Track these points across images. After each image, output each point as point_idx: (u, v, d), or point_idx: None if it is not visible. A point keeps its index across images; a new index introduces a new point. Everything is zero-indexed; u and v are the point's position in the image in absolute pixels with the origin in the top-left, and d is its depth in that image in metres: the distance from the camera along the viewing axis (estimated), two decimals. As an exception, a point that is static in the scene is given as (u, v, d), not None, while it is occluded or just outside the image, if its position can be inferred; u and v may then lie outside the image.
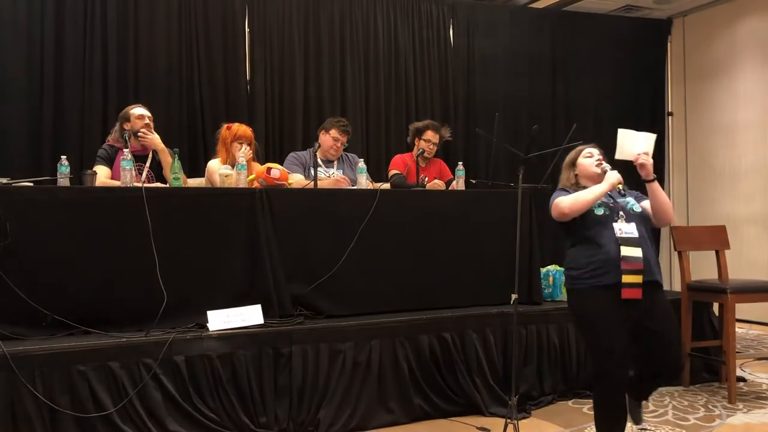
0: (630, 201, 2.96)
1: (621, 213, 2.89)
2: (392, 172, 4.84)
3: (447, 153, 5.71)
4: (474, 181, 4.80)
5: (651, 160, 2.88)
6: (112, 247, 3.29)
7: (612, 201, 2.94)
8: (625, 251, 2.78)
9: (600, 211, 2.89)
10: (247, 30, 5.50)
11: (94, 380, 2.96)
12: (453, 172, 4.54)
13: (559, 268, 4.54)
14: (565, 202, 2.90)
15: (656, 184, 2.89)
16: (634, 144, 2.93)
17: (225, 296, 3.46)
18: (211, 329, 3.26)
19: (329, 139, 4.51)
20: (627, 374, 2.83)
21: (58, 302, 3.16)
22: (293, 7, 5.63)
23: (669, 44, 7.17)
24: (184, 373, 3.12)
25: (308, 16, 5.70)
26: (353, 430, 3.42)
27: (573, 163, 3.11)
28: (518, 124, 6.42)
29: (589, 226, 2.89)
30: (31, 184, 3.38)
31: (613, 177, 2.88)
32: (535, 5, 6.77)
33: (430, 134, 4.83)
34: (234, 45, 5.42)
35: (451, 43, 6.31)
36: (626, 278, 2.76)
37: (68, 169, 3.43)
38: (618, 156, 2.94)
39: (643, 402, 3.15)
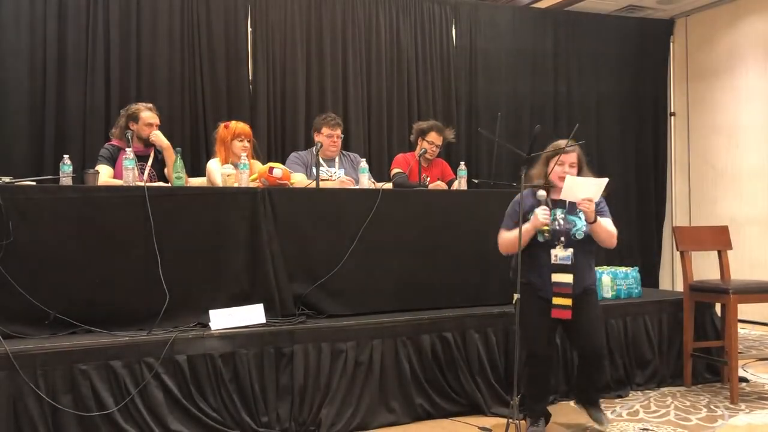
0: (578, 224, 3.17)
1: (562, 239, 3.13)
2: (395, 170, 4.84)
3: (449, 153, 5.71)
4: (476, 181, 4.80)
5: (592, 207, 3.10)
6: (114, 246, 3.29)
7: (558, 224, 3.17)
8: (557, 278, 3.11)
9: (541, 238, 3.15)
10: (249, 29, 5.51)
11: (96, 379, 2.96)
12: (455, 172, 4.54)
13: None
14: (501, 246, 3.31)
15: (597, 225, 3.15)
16: (580, 189, 3.10)
17: (227, 295, 3.46)
18: (213, 328, 3.26)
19: (323, 137, 4.51)
20: (551, 356, 3.38)
21: (61, 301, 3.17)
22: (295, 6, 5.64)
23: (671, 44, 7.16)
24: (186, 373, 3.12)
25: (310, 16, 5.70)
26: (355, 429, 3.41)
27: (547, 161, 3.27)
28: (520, 124, 6.42)
29: (531, 247, 3.18)
30: (34, 184, 3.39)
31: (538, 218, 3.07)
32: (537, 5, 6.76)
33: (433, 136, 4.82)
34: (236, 44, 5.42)
35: (453, 43, 6.31)
36: (556, 300, 3.11)
37: (71, 168, 3.44)
38: (563, 197, 3.13)
39: (604, 410, 3.49)
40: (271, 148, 5.45)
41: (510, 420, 3.09)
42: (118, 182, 3.81)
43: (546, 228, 3.09)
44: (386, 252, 3.84)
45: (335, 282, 3.68)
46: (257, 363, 3.27)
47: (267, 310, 3.44)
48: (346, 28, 5.82)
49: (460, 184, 4.34)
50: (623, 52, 6.87)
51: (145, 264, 3.29)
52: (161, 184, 3.93)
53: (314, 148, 4.33)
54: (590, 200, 3.08)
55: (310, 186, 3.98)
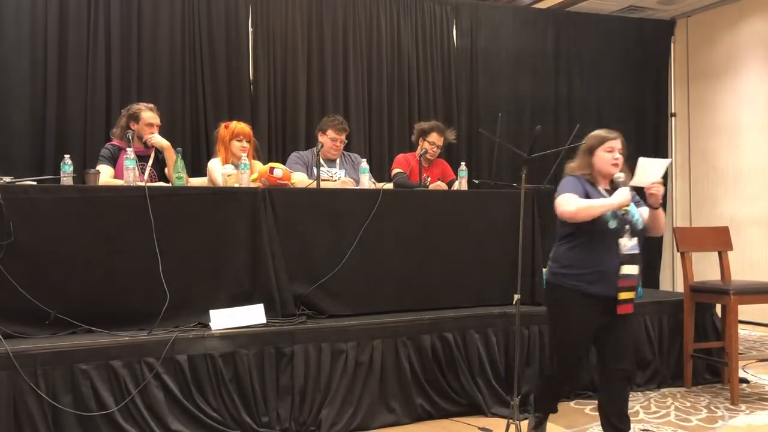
0: (635, 214, 2.89)
1: (627, 227, 2.84)
2: (395, 170, 4.84)
3: (450, 153, 5.71)
4: (477, 182, 4.80)
5: (662, 189, 2.87)
6: (114, 246, 3.29)
7: (624, 211, 2.85)
8: (626, 269, 2.83)
9: (613, 224, 2.82)
10: (250, 29, 5.51)
11: (97, 379, 2.97)
12: (456, 173, 4.54)
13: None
14: (570, 207, 2.81)
15: (659, 211, 2.92)
16: (650, 172, 2.89)
17: (227, 295, 3.46)
18: (213, 328, 3.26)
19: (327, 139, 4.51)
20: (580, 371, 3.22)
21: (61, 301, 3.17)
22: (296, 6, 5.64)
23: (672, 45, 7.16)
24: (187, 372, 3.12)
25: (311, 16, 5.70)
26: (355, 429, 3.42)
27: (591, 151, 2.97)
28: (521, 125, 6.42)
29: (596, 235, 2.84)
30: (35, 183, 3.39)
31: (623, 196, 2.79)
32: (538, 5, 6.76)
33: (434, 136, 4.82)
34: (237, 44, 5.43)
35: (454, 43, 6.31)
36: (623, 295, 2.82)
37: (71, 168, 3.44)
38: (634, 183, 2.88)
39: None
40: (271, 148, 5.46)
41: (510, 420, 3.08)
42: (118, 182, 3.81)
43: (626, 208, 2.81)
44: (387, 252, 3.84)
45: (336, 282, 3.68)
46: (258, 363, 3.27)
47: (267, 310, 3.44)
48: (347, 28, 5.83)
49: (461, 184, 4.34)
50: (624, 53, 6.87)
51: (145, 264, 3.29)
52: (162, 184, 3.92)
53: (315, 148, 4.33)
54: (661, 183, 2.87)
55: (310, 186, 3.98)
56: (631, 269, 2.83)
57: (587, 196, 2.87)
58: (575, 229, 2.88)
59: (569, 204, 2.81)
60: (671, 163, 2.67)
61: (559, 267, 2.95)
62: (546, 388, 3.16)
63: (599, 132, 3.02)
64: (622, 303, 2.82)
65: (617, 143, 2.95)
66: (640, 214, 2.90)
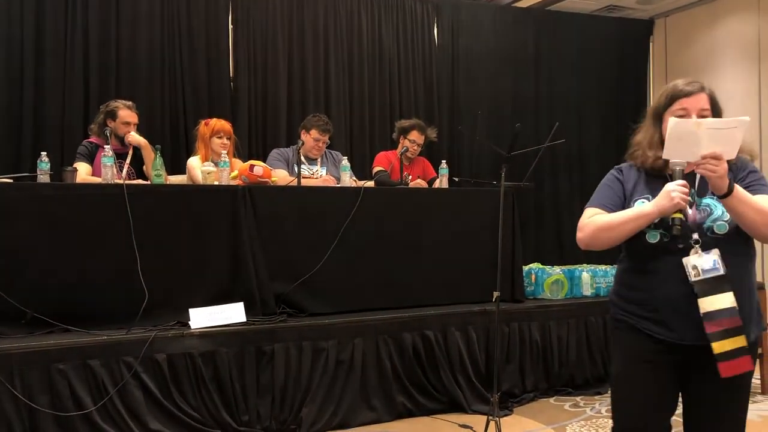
0: (716, 211, 1.86)
1: (695, 237, 1.82)
2: (376, 168, 4.84)
3: (431, 151, 5.71)
4: (457, 179, 4.82)
5: (723, 168, 1.76)
6: (92, 245, 3.26)
7: (679, 217, 1.81)
8: (708, 303, 1.77)
9: (653, 238, 1.87)
10: (230, 27, 5.47)
11: (74, 379, 2.94)
12: (437, 171, 4.55)
13: (541, 266, 4.57)
14: (584, 232, 1.95)
15: (734, 200, 1.78)
16: (696, 139, 1.79)
17: (207, 294, 3.44)
18: (193, 327, 3.24)
19: (310, 139, 4.49)
20: None
21: (38, 300, 3.13)
22: (277, 4, 5.61)
23: (651, 44, 7.23)
24: (166, 372, 3.10)
25: (292, 14, 5.68)
26: (336, 428, 3.41)
27: (659, 115, 1.95)
28: (501, 123, 6.43)
29: (644, 255, 1.90)
30: (11, 181, 3.35)
31: (664, 197, 1.79)
32: (518, 4, 6.79)
33: (415, 135, 4.83)
34: (217, 42, 5.39)
35: (435, 42, 6.32)
36: (718, 346, 1.76)
37: (48, 166, 3.40)
38: (665, 155, 1.86)
39: None
40: (252, 146, 5.42)
41: (490, 417, 3.10)
42: (96, 180, 3.77)
43: (679, 215, 1.78)
44: (368, 250, 3.84)
45: (316, 280, 3.67)
46: (238, 362, 3.25)
47: (248, 309, 3.42)
48: (328, 26, 5.81)
49: (442, 182, 4.35)
50: (604, 52, 6.91)
51: (124, 262, 3.26)
52: (140, 181, 3.89)
53: (296, 146, 4.32)
54: (717, 157, 1.76)
55: (291, 184, 3.97)
56: (717, 301, 1.77)
57: (626, 202, 1.93)
58: (624, 248, 1.99)
59: (584, 226, 1.95)
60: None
61: (613, 289, 2.05)
62: None
63: (671, 84, 1.95)
64: (723, 359, 1.76)
65: (698, 101, 1.89)
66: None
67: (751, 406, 3.43)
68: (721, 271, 1.78)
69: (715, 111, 1.93)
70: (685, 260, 1.81)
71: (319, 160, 4.59)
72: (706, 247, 1.81)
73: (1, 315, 3.06)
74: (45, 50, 4.84)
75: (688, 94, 1.89)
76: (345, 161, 4.17)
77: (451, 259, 4.05)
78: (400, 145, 4.85)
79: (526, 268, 4.43)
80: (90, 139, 4.12)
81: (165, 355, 3.11)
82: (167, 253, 3.39)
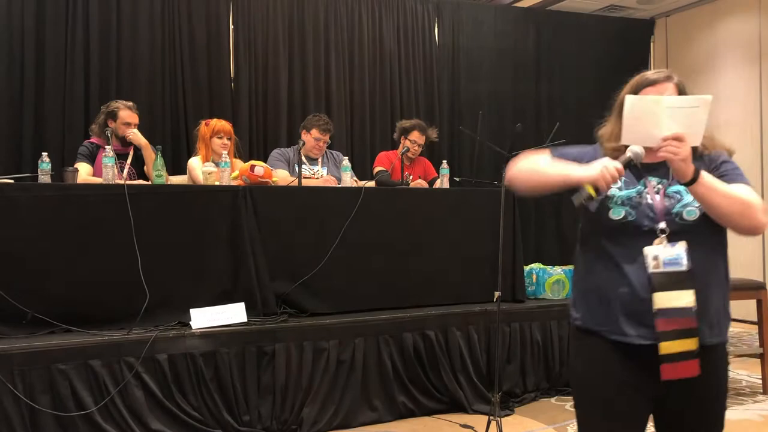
0: (682, 194, 1.69)
1: (661, 225, 1.65)
2: (377, 168, 4.84)
3: (431, 151, 5.73)
4: (458, 179, 4.82)
5: (685, 150, 1.60)
6: (93, 245, 3.26)
7: (646, 202, 1.68)
8: (662, 299, 1.61)
9: (618, 213, 1.69)
10: (231, 26, 5.48)
11: (75, 379, 2.94)
12: (437, 171, 4.55)
13: (542, 266, 4.56)
14: (521, 164, 1.80)
15: (700, 186, 1.62)
16: (655, 119, 1.65)
17: (208, 294, 3.44)
18: (194, 327, 3.24)
19: (311, 139, 4.49)
20: None
21: (39, 300, 3.13)
22: (278, 4, 5.62)
23: (652, 44, 7.23)
24: (167, 372, 3.10)
25: (292, 14, 5.69)
26: (337, 428, 3.41)
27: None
28: (502, 123, 6.45)
29: (603, 232, 1.72)
30: (12, 182, 3.35)
31: (599, 170, 1.61)
32: (519, 4, 6.80)
33: (416, 135, 4.83)
34: (218, 42, 5.40)
35: (436, 41, 6.33)
36: (666, 346, 1.60)
37: (49, 166, 3.40)
38: (624, 141, 1.71)
39: None
40: (252, 147, 5.44)
41: (491, 417, 3.10)
42: (97, 180, 3.78)
43: (592, 191, 1.61)
44: (369, 250, 3.84)
45: (317, 280, 3.67)
46: (239, 362, 3.25)
47: (248, 309, 3.42)
48: (329, 26, 5.82)
49: (443, 182, 4.36)
50: (605, 51, 6.92)
51: (125, 263, 3.26)
52: (141, 182, 3.90)
53: (297, 146, 4.32)
54: (679, 138, 1.60)
55: (292, 184, 3.97)
56: (672, 298, 1.60)
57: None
58: (582, 226, 1.83)
59: (518, 161, 1.81)
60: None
61: (577, 299, 1.86)
62: None
63: (639, 75, 1.82)
64: (667, 360, 1.61)
65: (663, 90, 1.75)
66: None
67: (752, 406, 3.43)
68: (684, 267, 1.61)
69: None
70: (646, 249, 1.63)
71: (319, 160, 4.59)
72: (674, 238, 1.63)
73: (2, 315, 3.06)
74: (46, 51, 4.85)
75: (653, 83, 1.75)
76: (346, 161, 4.17)
77: (452, 259, 4.04)
78: (401, 146, 4.85)
79: (527, 268, 4.43)
80: (91, 140, 4.12)
81: (166, 355, 3.11)
82: (168, 254, 3.39)
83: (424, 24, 6.26)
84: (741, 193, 1.64)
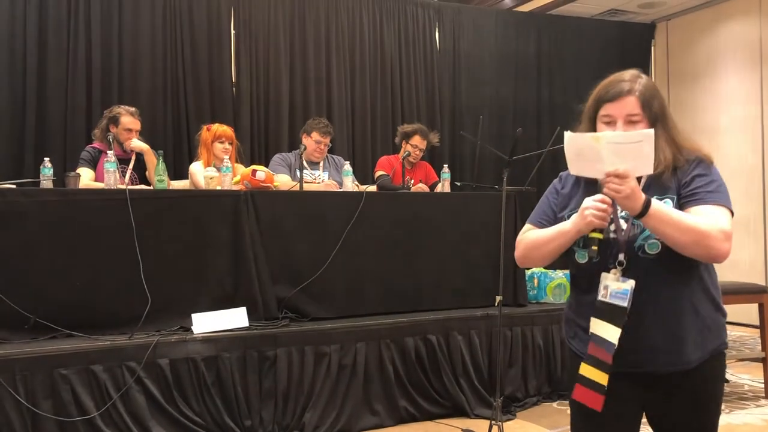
0: (645, 232, 1.66)
1: (621, 257, 1.66)
2: (379, 173, 4.86)
3: (433, 156, 5.73)
4: (459, 184, 4.83)
5: (627, 187, 1.56)
6: (95, 250, 3.26)
7: (614, 227, 1.68)
8: (597, 325, 1.67)
9: (582, 258, 1.73)
10: (232, 32, 5.49)
11: (77, 384, 2.94)
12: (439, 175, 4.56)
13: (544, 270, 4.56)
14: (519, 248, 1.84)
15: (651, 218, 1.58)
16: (596, 154, 1.61)
17: (210, 299, 3.44)
18: (195, 332, 3.24)
19: (311, 142, 4.51)
20: None
21: (41, 305, 3.14)
22: (279, 9, 5.63)
23: (653, 48, 7.23)
24: (169, 376, 3.10)
25: (294, 19, 5.70)
26: (338, 432, 3.42)
27: (591, 119, 1.78)
28: (503, 127, 6.45)
29: (576, 272, 1.81)
30: (14, 187, 3.35)
31: (586, 213, 1.61)
32: (520, 9, 6.81)
33: (417, 139, 4.84)
34: (219, 47, 5.41)
35: (437, 46, 6.34)
36: (585, 368, 1.68)
37: (51, 171, 3.41)
38: (572, 171, 1.72)
39: None
40: (254, 151, 5.44)
41: (493, 422, 3.10)
42: (99, 185, 3.78)
43: (597, 234, 1.62)
44: (370, 255, 3.84)
45: (319, 285, 3.67)
46: (240, 366, 3.25)
47: (250, 314, 3.42)
48: (330, 31, 5.83)
49: (444, 186, 4.36)
50: (605, 56, 6.92)
51: (126, 267, 3.27)
52: (143, 187, 3.90)
53: (299, 150, 4.33)
54: (621, 175, 1.56)
55: (293, 189, 3.98)
56: (604, 330, 1.65)
57: (561, 220, 1.76)
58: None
59: (518, 243, 1.85)
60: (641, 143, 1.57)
61: (566, 318, 1.89)
62: None
63: (606, 80, 1.79)
64: (582, 383, 1.68)
65: (624, 106, 1.68)
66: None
67: (754, 410, 3.43)
68: (624, 304, 1.62)
69: (650, 110, 1.67)
70: (603, 274, 1.67)
71: (321, 164, 4.60)
72: (633, 271, 1.64)
73: (5, 320, 3.07)
74: (47, 56, 4.86)
75: (611, 99, 1.69)
76: (347, 166, 4.18)
77: (454, 263, 4.04)
78: (402, 150, 4.86)
79: (528, 272, 4.43)
80: (93, 145, 4.14)
81: (168, 360, 3.11)
82: (170, 258, 3.40)
83: (425, 28, 6.27)
84: (696, 222, 1.59)
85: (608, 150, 1.59)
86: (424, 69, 6.24)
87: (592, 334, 1.67)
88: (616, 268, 1.66)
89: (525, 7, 6.78)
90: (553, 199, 1.83)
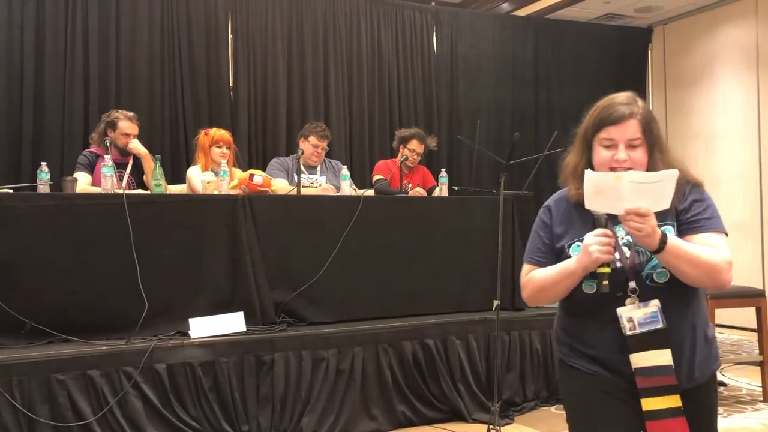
0: (653, 259, 1.65)
1: (632, 285, 1.64)
2: (376, 177, 4.86)
3: (430, 160, 5.73)
4: (456, 188, 4.83)
5: (648, 225, 1.56)
6: (92, 254, 3.26)
7: (618, 256, 1.66)
8: (640, 359, 1.61)
9: (589, 288, 1.68)
10: (230, 36, 5.50)
11: (74, 389, 2.93)
12: (436, 179, 4.56)
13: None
14: (528, 291, 1.79)
15: (667, 254, 1.59)
16: (617, 192, 1.59)
17: (207, 303, 3.44)
18: (192, 337, 3.24)
19: (309, 146, 4.51)
20: None
21: (38, 310, 3.13)
22: (276, 13, 5.64)
23: (649, 52, 7.25)
24: (166, 381, 3.09)
25: (291, 23, 5.70)
26: (336, 437, 3.41)
27: (588, 141, 1.74)
28: (501, 131, 6.46)
29: (580, 301, 1.73)
30: (11, 191, 3.35)
31: (590, 251, 1.60)
32: (518, 13, 6.83)
33: (415, 144, 4.85)
34: (217, 51, 5.41)
35: (434, 50, 6.35)
36: (646, 403, 1.62)
37: (48, 176, 3.41)
38: (588, 206, 1.65)
39: None
40: (252, 156, 5.44)
41: (491, 426, 3.09)
42: (96, 190, 3.78)
43: (605, 269, 1.62)
44: (367, 259, 3.84)
45: (316, 289, 3.67)
46: (237, 371, 3.25)
47: (247, 318, 3.42)
48: (328, 35, 5.84)
49: (441, 190, 4.36)
50: (603, 60, 6.95)
51: (123, 272, 3.26)
52: (140, 191, 3.90)
53: (296, 155, 4.33)
54: (642, 214, 1.56)
55: (291, 193, 3.98)
56: (652, 358, 1.60)
57: (559, 253, 1.74)
58: None
59: (524, 286, 1.81)
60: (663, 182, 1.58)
61: (556, 327, 1.88)
62: None
63: (604, 102, 1.75)
64: (652, 417, 1.62)
65: (626, 129, 1.66)
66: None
67: (752, 414, 3.43)
68: (660, 324, 1.60)
69: (650, 134, 1.67)
70: (619, 311, 1.63)
71: (318, 169, 4.60)
72: (645, 297, 1.63)
73: (1, 325, 3.06)
74: (45, 61, 4.86)
75: (614, 122, 1.67)
76: (345, 170, 4.18)
77: (451, 267, 4.04)
78: (399, 154, 4.86)
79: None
80: (90, 149, 4.13)
81: (165, 364, 3.11)
82: (167, 263, 3.39)
83: (423, 32, 6.28)
84: (708, 255, 1.62)
85: (630, 189, 1.57)
86: (422, 73, 6.25)
87: (638, 369, 1.62)
88: (630, 297, 1.64)
89: (522, 11, 6.80)
90: (544, 234, 1.79)
